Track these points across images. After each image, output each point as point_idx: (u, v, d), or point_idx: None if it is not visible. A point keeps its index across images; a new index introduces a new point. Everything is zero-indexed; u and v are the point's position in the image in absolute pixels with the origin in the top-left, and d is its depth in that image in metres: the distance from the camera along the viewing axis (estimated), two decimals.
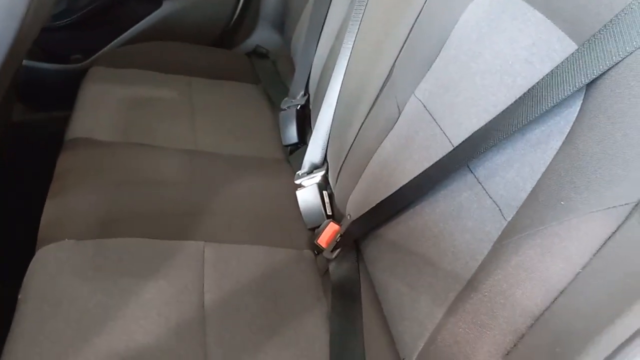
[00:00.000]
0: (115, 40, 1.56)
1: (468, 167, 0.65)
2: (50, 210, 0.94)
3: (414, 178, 0.72)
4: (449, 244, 0.66)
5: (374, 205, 0.81)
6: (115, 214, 0.95)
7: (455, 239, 0.65)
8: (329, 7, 1.24)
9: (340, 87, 1.03)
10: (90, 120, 1.18)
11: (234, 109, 1.35)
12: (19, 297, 0.78)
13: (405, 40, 0.88)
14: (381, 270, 0.81)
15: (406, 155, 0.78)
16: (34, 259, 0.84)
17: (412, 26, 0.86)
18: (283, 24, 1.62)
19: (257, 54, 1.63)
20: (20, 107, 1.50)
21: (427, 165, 0.71)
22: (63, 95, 1.36)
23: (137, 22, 1.57)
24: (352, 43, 1.03)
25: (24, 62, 1.40)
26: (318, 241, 0.95)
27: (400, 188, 0.75)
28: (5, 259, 0.94)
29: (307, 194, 1.05)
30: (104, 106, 1.23)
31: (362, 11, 1.03)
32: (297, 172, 1.10)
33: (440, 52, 0.77)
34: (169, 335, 0.77)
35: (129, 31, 1.57)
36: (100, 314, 0.77)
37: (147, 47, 1.51)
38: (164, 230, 0.93)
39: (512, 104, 0.58)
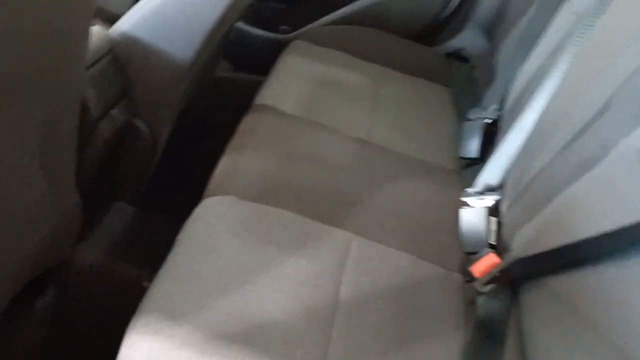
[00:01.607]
0: (324, 19, 1.60)
1: None
2: (224, 165, 0.99)
3: (606, 232, 0.62)
4: (628, 320, 0.55)
5: (547, 248, 0.72)
6: (279, 183, 0.97)
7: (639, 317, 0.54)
8: (549, 22, 1.12)
9: (540, 111, 0.94)
10: (280, 90, 1.22)
11: (417, 108, 1.31)
12: (178, 237, 0.83)
13: (632, 74, 0.75)
14: (535, 320, 0.72)
15: (602, 205, 0.67)
16: (198, 206, 0.89)
17: None
18: (493, 31, 1.52)
19: (457, 56, 1.56)
20: (225, 65, 1.62)
21: (626, 221, 0.60)
22: (264, 61, 1.44)
23: (349, 4, 1.59)
24: (567, 65, 0.92)
25: (236, 23, 1.50)
26: (472, 269, 0.88)
27: (585, 239, 0.65)
28: (179, 201, 1.01)
29: (473, 216, 0.97)
30: (296, 80, 1.27)
31: (587, 32, 0.91)
32: (468, 190, 1.03)
33: None
34: (297, 315, 0.76)
35: (338, 12, 1.60)
36: (241, 273, 0.79)
37: (350, 30, 1.53)
38: (318, 212, 0.93)
39: None
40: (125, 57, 1.02)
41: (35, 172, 0.85)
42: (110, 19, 1.03)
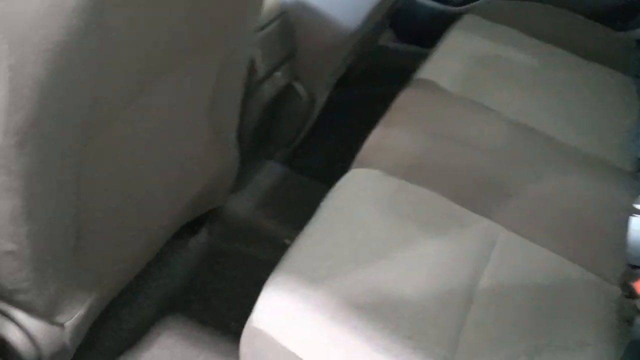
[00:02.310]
0: None
1: None
2: (375, 137, 0.99)
3: None
4: None
5: None
6: (429, 162, 0.95)
7: None
8: None
9: None
10: (443, 66, 1.18)
11: (592, 97, 1.19)
12: (322, 203, 0.85)
13: None
14: None
15: None
16: (344, 176, 0.90)
17: None
18: None
19: None
20: (389, 34, 1.60)
21: None
22: (430, 33, 1.39)
23: None
24: None
25: None
26: (636, 284, 0.79)
27: None
28: (327, 166, 1.04)
29: None
30: (461, 56, 1.21)
31: None
32: None
33: None
34: (432, 296, 0.75)
35: None
36: (380, 247, 0.79)
37: (526, 6, 1.42)
38: (466, 197, 0.90)
39: None
40: (294, 22, 1.05)
41: (203, 124, 0.92)
42: None
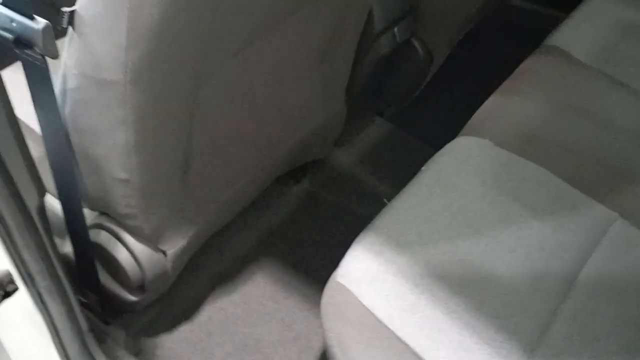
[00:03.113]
0: None
1: None
2: (490, 104, 0.94)
3: None
4: None
5: None
6: (544, 137, 0.88)
7: None
8: None
9: None
10: (578, 33, 1.08)
11: None
12: (424, 167, 0.83)
13: None
14: None
15: None
16: (452, 142, 0.87)
17: None
18: None
19: None
20: None
21: None
22: None
23: None
24: None
25: None
26: None
27: None
28: (436, 128, 1.00)
29: None
30: (601, 24, 1.09)
31: None
32: None
33: None
34: (524, 281, 0.72)
35: None
36: (476, 221, 0.76)
37: None
38: (582, 179, 0.83)
39: None
40: None
41: (313, 75, 0.92)
42: None
